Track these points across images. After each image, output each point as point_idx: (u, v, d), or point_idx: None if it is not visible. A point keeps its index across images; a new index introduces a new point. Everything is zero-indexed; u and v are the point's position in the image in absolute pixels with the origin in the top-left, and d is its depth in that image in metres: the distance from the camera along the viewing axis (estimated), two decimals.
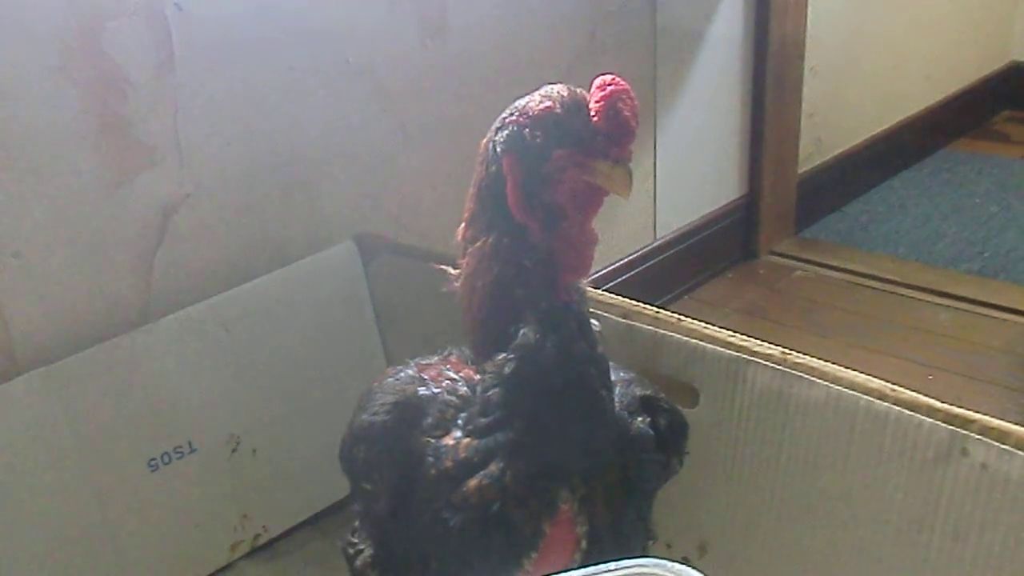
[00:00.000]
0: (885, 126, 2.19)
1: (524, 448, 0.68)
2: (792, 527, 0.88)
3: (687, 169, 1.73)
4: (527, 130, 0.67)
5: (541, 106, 0.67)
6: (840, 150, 2.08)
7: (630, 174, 0.65)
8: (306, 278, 1.15)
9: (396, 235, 1.20)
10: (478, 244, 0.70)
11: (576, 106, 0.66)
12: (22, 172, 0.96)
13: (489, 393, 0.69)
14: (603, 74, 0.66)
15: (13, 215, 0.97)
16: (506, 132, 0.68)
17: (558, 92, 0.67)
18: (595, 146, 0.65)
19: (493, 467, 0.68)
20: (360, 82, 1.21)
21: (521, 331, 0.68)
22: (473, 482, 0.68)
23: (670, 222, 1.73)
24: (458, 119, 1.31)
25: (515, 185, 0.67)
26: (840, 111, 2.06)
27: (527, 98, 0.68)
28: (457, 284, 0.72)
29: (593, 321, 0.70)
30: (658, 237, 1.71)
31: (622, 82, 0.65)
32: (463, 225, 0.72)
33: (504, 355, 0.68)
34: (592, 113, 0.65)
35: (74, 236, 1.01)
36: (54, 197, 0.99)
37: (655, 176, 1.67)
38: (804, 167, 1.98)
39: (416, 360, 0.78)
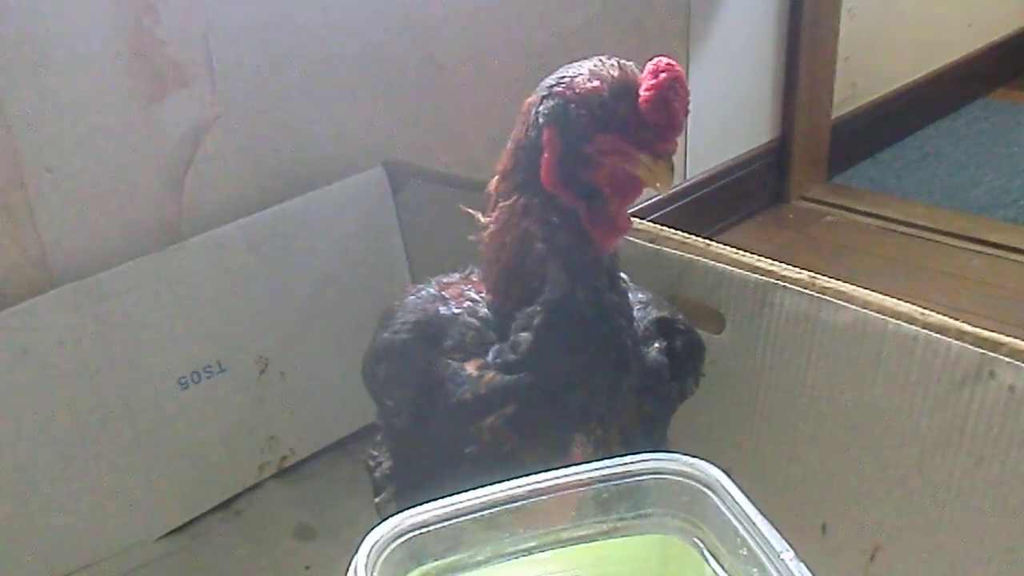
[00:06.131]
0: (923, 72, 2.15)
1: (544, 394, 0.68)
2: (817, 450, 0.88)
3: (719, 110, 1.71)
4: (572, 106, 0.65)
5: (590, 85, 0.65)
6: (876, 95, 2.05)
7: (673, 169, 0.64)
8: (335, 203, 1.15)
9: (425, 163, 1.20)
10: (509, 201, 0.69)
11: (625, 90, 0.64)
12: (55, 88, 0.97)
13: (520, 336, 0.69)
14: (659, 56, 0.63)
15: (47, 130, 0.97)
16: (551, 103, 0.66)
17: (608, 71, 0.65)
18: (640, 136, 0.64)
19: (509, 409, 0.68)
20: (391, 10, 1.21)
21: (549, 284, 0.68)
22: (488, 420, 0.69)
23: (700, 163, 1.71)
24: (489, 50, 1.30)
25: (552, 158, 0.66)
26: (877, 55, 2.02)
27: (577, 68, 0.66)
28: (484, 234, 0.72)
29: (622, 275, 0.71)
30: (688, 178, 1.70)
31: (676, 67, 0.63)
32: (496, 178, 0.71)
33: (534, 307, 0.68)
34: (641, 101, 0.63)
35: (106, 152, 1.02)
36: (86, 113, 0.99)
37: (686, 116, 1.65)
38: (838, 112, 1.95)
39: (438, 279, 0.77)
